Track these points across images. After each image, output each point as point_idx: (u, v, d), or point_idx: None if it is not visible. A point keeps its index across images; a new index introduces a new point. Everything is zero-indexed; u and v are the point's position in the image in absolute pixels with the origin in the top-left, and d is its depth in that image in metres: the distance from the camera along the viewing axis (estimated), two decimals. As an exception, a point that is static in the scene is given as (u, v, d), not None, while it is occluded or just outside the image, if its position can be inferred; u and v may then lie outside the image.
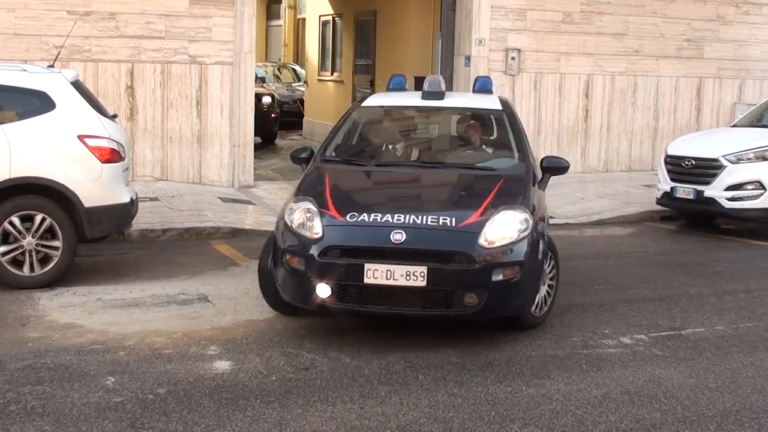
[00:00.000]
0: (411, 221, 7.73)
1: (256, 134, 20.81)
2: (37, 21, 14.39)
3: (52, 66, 10.63)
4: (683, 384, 7.14)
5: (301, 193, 8.40)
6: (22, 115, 9.62)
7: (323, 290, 7.65)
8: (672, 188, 13.88)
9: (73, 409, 6.31)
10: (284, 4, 33.23)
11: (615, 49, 18.89)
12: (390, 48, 21.01)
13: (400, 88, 10.69)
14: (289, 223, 8.02)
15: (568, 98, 18.57)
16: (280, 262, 7.97)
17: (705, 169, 13.57)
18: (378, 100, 10.74)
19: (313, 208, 7.98)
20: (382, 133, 10.22)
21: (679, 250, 12.56)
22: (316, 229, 7.81)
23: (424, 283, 7.46)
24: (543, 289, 8.39)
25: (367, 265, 7.51)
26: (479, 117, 10.08)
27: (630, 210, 15.08)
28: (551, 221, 13.87)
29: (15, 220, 9.37)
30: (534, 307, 8.27)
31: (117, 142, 9.96)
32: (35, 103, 9.68)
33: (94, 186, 9.66)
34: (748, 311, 9.39)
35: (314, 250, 7.69)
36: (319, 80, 25.69)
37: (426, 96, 10.14)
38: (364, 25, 22.86)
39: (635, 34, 19.05)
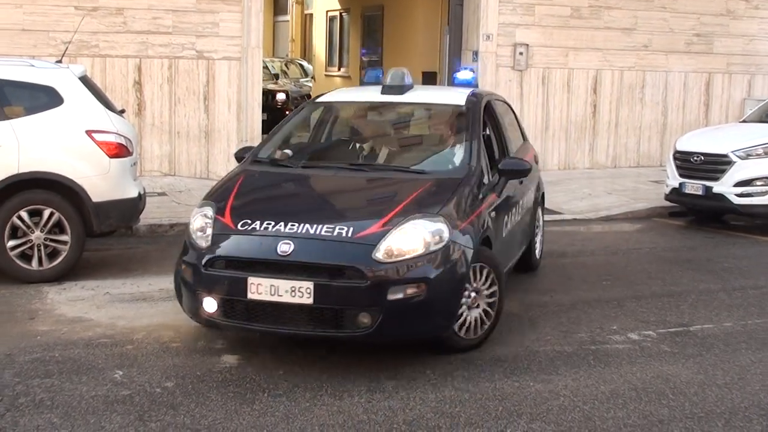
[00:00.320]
0: (303, 231, 7.03)
1: (270, 131, 21.13)
2: (44, 17, 14.40)
3: (59, 61, 10.65)
4: (691, 380, 7.12)
5: (209, 197, 7.95)
6: (30, 111, 9.64)
7: (210, 304, 7.12)
8: (681, 184, 13.86)
9: (81, 402, 6.32)
10: (291, 0, 33.21)
11: (623, 44, 18.86)
12: (397, 43, 21.01)
13: (377, 81, 9.87)
14: (189, 230, 7.54)
15: (576, 94, 18.53)
16: (177, 272, 7.52)
17: (714, 165, 13.54)
18: (335, 95, 10.11)
19: (211, 214, 7.47)
20: (330, 131, 9.67)
21: (687, 246, 12.54)
22: (207, 237, 7.28)
23: (310, 301, 6.78)
24: (476, 311, 7.53)
25: (250, 279, 6.89)
26: (436, 114, 9.46)
27: (638, 206, 15.06)
28: (558, 217, 13.89)
29: (23, 214, 9.39)
30: (462, 328, 7.43)
31: (125, 137, 9.97)
32: (43, 98, 9.70)
33: (102, 181, 9.68)
34: (757, 308, 9.36)
35: (201, 261, 7.16)
36: (326, 75, 25.72)
37: (386, 91, 9.36)
38: (371, 20, 22.86)
39: (644, 29, 19.01)
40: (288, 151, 8.97)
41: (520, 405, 6.51)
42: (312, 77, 27.00)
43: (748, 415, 6.49)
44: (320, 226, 7.05)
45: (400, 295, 6.85)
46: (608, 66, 18.77)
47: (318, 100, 9.82)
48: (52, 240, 9.51)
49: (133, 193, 10.02)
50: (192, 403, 6.38)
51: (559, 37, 18.17)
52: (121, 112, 10.73)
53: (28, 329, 7.95)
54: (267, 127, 20.91)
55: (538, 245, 10.68)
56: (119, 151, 9.84)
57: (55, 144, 9.57)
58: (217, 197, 7.80)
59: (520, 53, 17.74)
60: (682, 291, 9.90)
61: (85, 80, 10.15)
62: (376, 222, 7.13)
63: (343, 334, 6.93)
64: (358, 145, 9.33)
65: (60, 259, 9.55)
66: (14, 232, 9.42)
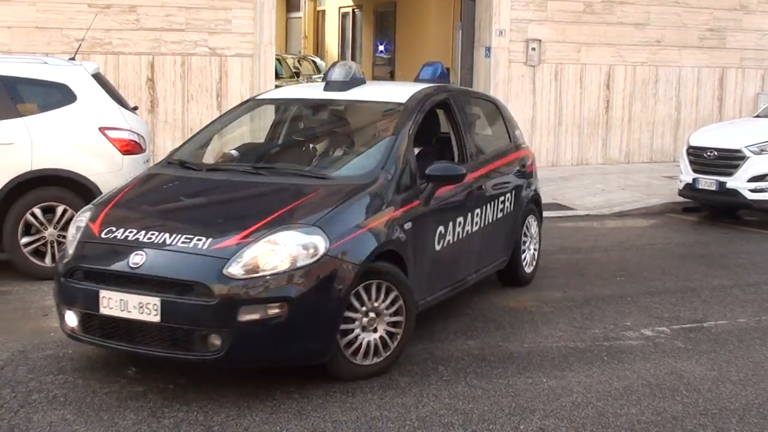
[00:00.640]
0: (160, 241, 6.45)
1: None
2: (58, 14, 14.44)
3: (73, 59, 10.67)
4: (705, 376, 7.10)
5: (95, 201, 7.52)
6: (44, 108, 9.67)
7: (71, 318, 6.69)
8: (694, 179, 13.81)
9: (95, 398, 6.33)
10: (304, -4, 33.22)
11: (636, 40, 18.81)
12: (410, 39, 21.00)
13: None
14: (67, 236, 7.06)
15: (589, 89, 18.50)
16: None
17: (727, 160, 13.49)
18: (277, 92, 9.53)
19: (85, 220, 7.00)
20: (260, 130, 9.12)
21: (701, 241, 12.50)
22: (74, 245, 6.83)
23: (158, 318, 6.21)
24: (374, 334, 6.79)
25: (102, 293, 6.38)
26: (372, 113, 8.63)
27: (652, 201, 15.03)
28: (571, 213, 13.87)
29: (37, 211, 9.43)
30: (359, 353, 6.72)
31: (138, 134, 9.99)
32: (56, 95, 9.73)
33: (115, 178, 9.68)
34: (770, 303, 9.35)
35: (61, 271, 6.74)
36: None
37: (328, 87, 8.63)
38: (383, 16, 22.85)
39: (657, 24, 18.96)
40: (234, 152, 8.40)
41: (533, 401, 6.50)
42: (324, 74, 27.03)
43: (762, 411, 6.46)
44: (179, 237, 6.46)
45: (255, 316, 6.17)
46: (621, 61, 18.73)
47: (259, 97, 9.28)
48: (65, 237, 9.52)
49: (146, 190, 10.04)
50: (205, 399, 6.38)
51: (571, 33, 18.14)
52: (134, 109, 10.76)
53: (42, 326, 7.97)
54: None
55: (528, 256, 9.73)
56: (132, 148, 9.86)
57: (68, 141, 9.59)
58: (102, 202, 7.34)
59: (533, 49, 17.72)
60: (696, 287, 9.88)
61: (98, 77, 10.18)
62: (237, 233, 6.44)
63: (193, 357, 6.32)
64: (277, 147, 8.73)
65: (73, 255, 9.57)
66: (27, 229, 9.45)
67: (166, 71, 15.20)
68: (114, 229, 6.70)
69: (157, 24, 15.05)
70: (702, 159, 13.77)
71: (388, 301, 6.84)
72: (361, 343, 6.72)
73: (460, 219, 8.08)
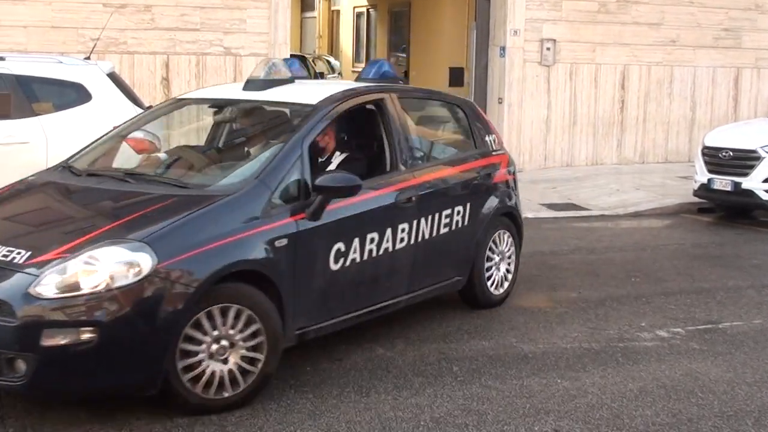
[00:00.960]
0: None
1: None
2: (73, 14, 14.47)
3: (88, 58, 10.70)
4: (720, 378, 7.08)
5: None
6: (59, 107, 9.70)
7: None
8: (709, 180, 13.76)
9: (109, 398, 6.34)
10: (319, -4, 33.26)
11: (651, 39, 18.76)
12: (424, 39, 20.99)
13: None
14: None
15: (604, 89, 18.46)
16: None
17: (743, 161, 13.44)
18: (198, 92, 8.87)
19: None
20: (172, 133, 8.64)
21: (716, 242, 12.46)
22: None
23: None
24: (224, 365, 6.13)
25: None
26: (278, 116, 7.96)
27: (667, 202, 14.98)
28: (586, 213, 13.84)
29: (52, 211, 9.44)
30: (211, 387, 6.07)
31: (153, 134, 9.99)
32: (72, 94, 9.76)
33: (129, 177, 9.70)
34: (786, 304, 9.31)
35: None
36: (353, 71, 25.70)
37: (246, 86, 8.01)
38: (398, 16, 22.85)
39: (672, 24, 18.90)
40: (162, 155, 7.94)
41: (547, 402, 6.48)
42: (339, 73, 27.02)
43: (777, 413, 6.45)
44: (2, 249, 5.95)
45: (60, 341, 5.54)
46: (636, 61, 18.68)
47: (182, 96, 8.71)
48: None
49: (160, 190, 10.05)
50: (219, 399, 6.38)
51: (586, 33, 18.09)
52: (149, 108, 10.76)
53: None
54: None
55: (496, 276, 8.83)
56: (147, 147, 9.86)
57: (83, 140, 9.59)
58: None
59: (548, 48, 17.68)
60: (711, 288, 9.85)
61: (113, 77, 10.20)
62: (58, 247, 5.85)
63: (2, 383, 5.73)
64: (182, 152, 8.04)
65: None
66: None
67: (181, 71, 15.22)
68: None
69: (172, 24, 15.07)
70: (717, 159, 13.72)
71: (248, 331, 6.17)
72: (206, 374, 6.03)
73: (373, 235, 7.19)
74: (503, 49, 17.35)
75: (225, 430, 5.90)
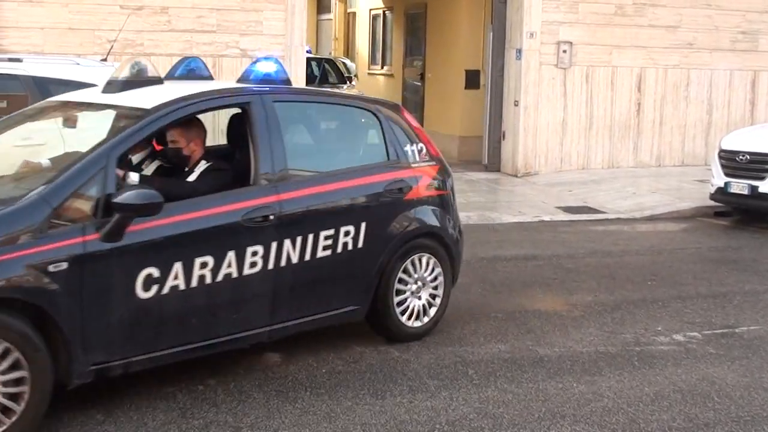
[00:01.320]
0: None
1: None
2: (90, 16, 14.51)
3: (105, 60, 10.72)
4: (737, 383, 7.05)
5: None
6: (76, 108, 9.70)
7: None
8: (726, 183, 13.72)
9: (124, 399, 6.35)
10: (335, -2, 33.30)
11: (668, 42, 18.70)
12: (440, 41, 20.98)
13: (191, 75, 7.85)
14: None
15: (620, 92, 18.41)
16: None
17: (760, 164, 13.39)
18: (69, 94, 8.05)
19: None
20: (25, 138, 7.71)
21: (733, 246, 12.41)
22: None
23: None
24: None
25: None
26: (110, 121, 6.92)
27: (683, 205, 14.93)
28: (602, 216, 13.81)
29: (68, 212, 9.45)
30: None
31: None
32: (88, 96, 9.76)
33: (146, 178, 9.72)
34: (803, 308, 9.27)
35: None
36: (369, 74, 25.73)
37: (105, 88, 7.26)
38: (414, 18, 22.84)
39: (688, 27, 18.84)
40: (44, 161, 7.09)
41: (563, 406, 6.47)
42: (355, 75, 27.04)
43: (795, 418, 6.42)
44: None
45: None
46: (652, 64, 18.62)
47: (51, 99, 8.09)
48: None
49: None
50: (234, 400, 6.40)
51: (603, 35, 18.05)
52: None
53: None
54: None
55: (415, 306, 7.79)
56: None
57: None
58: None
59: (564, 51, 17.65)
60: (728, 292, 9.81)
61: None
62: None
63: None
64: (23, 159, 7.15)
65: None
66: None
67: (197, 72, 15.24)
68: None
69: (189, 25, 15.10)
70: (734, 163, 13.67)
71: (11, 375, 5.53)
72: None
73: (205, 259, 6.34)
74: (519, 51, 17.33)
75: (240, 432, 5.91)
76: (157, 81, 7.30)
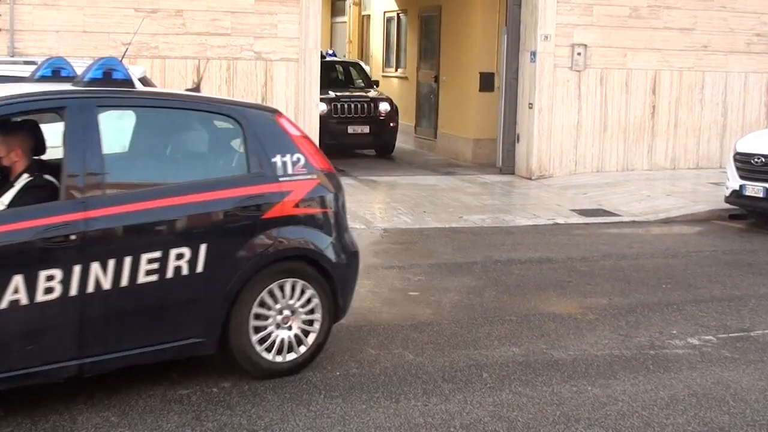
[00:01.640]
0: None
1: (372, 147, 20.57)
2: (105, 18, 14.56)
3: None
4: (753, 387, 7.02)
5: None
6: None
7: None
8: (741, 186, 13.67)
9: (138, 401, 6.37)
10: (349, 1, 33.33)
11: (683, 45, 18.65)
12: (455, 44, 20.97)
13: (55, 77, 7.00)
14: None
15: (635, 94, 18.37)
16: None
17: (775, 167, 13.35)
18: None
19: None
20: None
21: (748, 249, 12.36)
22: None
23: None
24: None
25: None
26: None
27: (698, 208, 14.89)
28: (616, 219, 13.78)
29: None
30: None
31: None
32: (103, 98, 9.76)
33: (160, 181, 9.72)
34: (819, 312, 9.23)
35: None
36: (383, 77, 25.71)
37: None
38: (428, 21, 22.83)
39: (703, 29, 18.79)
40: None
41: (577, 410, 6.46)
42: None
43: (811, 422, 6.39)
44: None
45: None
46: (667, 66, 18.58)
47: None
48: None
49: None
50: (248, 403, 6.40)
51: (617, 38, 18.02)
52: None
53: (88, 328, 8.01)
54: (368, 143, 20.43)
55: (280, 338, 6.92)
56: None
57: (112, 146, 9.63)
58: None
59: (578, 53, 17.62)
60: (743, 295, 9.77)
61: (144, 81, 10.23)
62: None
63: None
64: None
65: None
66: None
67: (212, 75, 15.27)
68: None
69: (203, 28, 15.13)
70: (749, 165, 13.62)
71: None
72: None
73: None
74: (534, 54, 17.32)
75: (254, 435, 5.92)
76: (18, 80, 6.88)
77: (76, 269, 5.94)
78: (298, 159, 7.08)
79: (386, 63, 26.04)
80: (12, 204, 6.22)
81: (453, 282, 9.91)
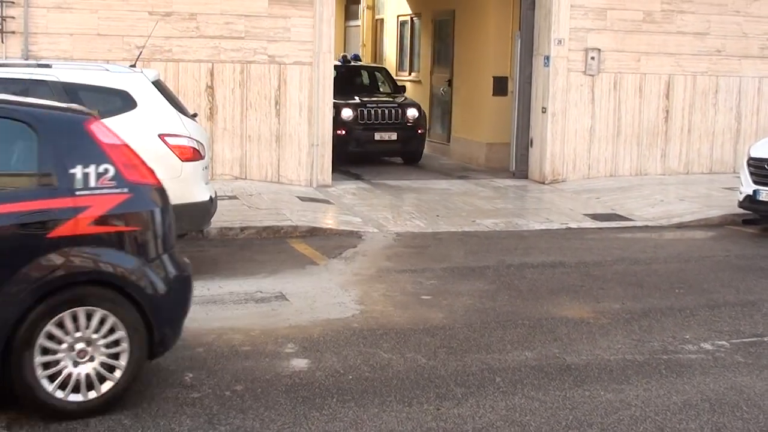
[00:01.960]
0: None
1: (399, 154, 20.16)
2: (119, 22, 14.59)
3: (133, 66, 10.77)
4: (766, 392, 7.00)
5: None
6: (104, 114, 9.71)
7: None
8: (754, 191, 13.62)
9: (151, 404, 6.38)
10: (363, 5, 33.35)
11: (696, 49, 18.61)
12: (468, 48, 20.96)
13: None
14: None
15: (649, 99, 18.33)
16: None
17: (789, 172, 13.31)
18: None
19: None
20: None
21: (761, 254, 12.32)
22: None
23: None
24: None
25: None
26: None
27: (711, 213, 14.85)
28: (630, 224, 13.76)
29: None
30: None
31: (197, 141, 10.06)
32: (117, 102, 9.83)
33: (173, 184, 9.69)
34: (833, 318, 9.19)
35: None
36: (397, 80, 25.71)
37: None
38: (442, 24, 22.83)
39: (717, 34, 18.74)
40: None
41: (590, 414, 6.44)
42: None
43: (824, 428, 6.37)
44: None
45: None
46: (681, 71, 18.54)
47: None
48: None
49: (204, 197, 10.10)
50: (261, 407, 6.41)
51: (631, 42, 17.99)
52: (194, 116, 10.83)
53: (101, 331, 8.03)
54: (395, 150, 20.15)
55: (76, 374, 6.11)
56: (191, 154, 9.93)
57: (128, 148, 9.67)
58: None
59: (592, 58, 17.60)
60: (756, 300, 9.74)
61: (158, 84, 10.27)
62: None
63: None
64: None
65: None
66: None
67: (226, 79, 15.30)
68: None
69: (217, 32, 15.16)
70: (763, 170, 13.58)
71: None
72: None
73: None
74: (547, 58, 17.30)
75: (267, 438, 5.92)
76: None
77: None
78: (106, 170, 6.28)
79: (399, 67, 26.02)
80: None
81: (466, 286, 9.91)
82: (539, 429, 6.17)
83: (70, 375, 6.06)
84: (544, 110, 17.37)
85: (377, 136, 19.31)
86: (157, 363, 7.13)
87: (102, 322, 6.13)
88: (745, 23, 18.92)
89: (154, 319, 6.30)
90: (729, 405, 6.71)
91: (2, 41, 14.10)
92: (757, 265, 11.51)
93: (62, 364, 6.04)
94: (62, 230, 6.05)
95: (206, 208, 10.17)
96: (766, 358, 7.80)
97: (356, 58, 23.88)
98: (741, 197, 14.01)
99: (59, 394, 6.02)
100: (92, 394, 6.12)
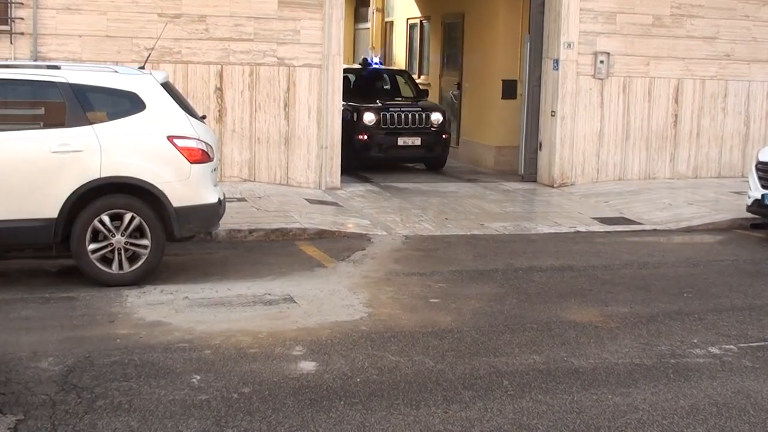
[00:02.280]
0: None
1: (423, 160, 19.71)
2: (128, 23, 14.62)
3: (142, 67, 10.79)
4: (774, 396, 7.00)
5: None
6: (113, 116, 9.77)
7: None
8: (763, 195, 13.59)
9: (159, 406, 6.39)
10: (372, 8, 33.39)
11: (706, 53, 18.60)
12: (478, 50, 20.97)
13: None
14: None
15: (658, 103, 18.32)
16: None
17: (798, 177, 13.28)
18: None
19: None
20: None
21: (770, 258, 12.32)
22: None
23: None
24: None
25: None
26: None
27: (719, 217, 14.83)
28: (638, 228, 13.74)
29: (105, 218, 9.52)
30: None
31: (205, 143, 10.07)
32: (126, 103, 9.83)
33: (182, 186, 9.77)
34: (842, 323, 9.17)
35: None
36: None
37: None
38: (451, 27, 22.84)
39: (726, 38, 18.73)
40: None
41: (598, 418, 6.44)
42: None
43: (833, 433, 6.35)
44: None
45: None
46: (690, 75, 18.53)
47: None
48: (132, 244, 9.62)
49: (213, 199, 10.10)
50: (268, 409, 6.41)
51: (640, 46, 17.98)
52: (203, 118, 10.85)
53: (108, 332, 8.05)
54: (419, 155, 19.69)
55: None
56: (200, 156, 9.94)
57: (136, 149, 9.69)
58: None
59: (601, 62, 17.59)
60: (764, 304, 9.73)
61: (167, 86, 10.28)
62: None
63: None
64: None
65: (140, 263, 9.65)
66: (95, 236, 9.54)
67: (235, 81, 15.32)
68: None
69: (226, 34, 15.18)
70: (772, 175, 13.56)
71: None
72: None
73: None
74: (557, 61, 17.30)
75: (274, 440, 5.93)
76: None
77: None
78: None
79: (409, 69, 26.04)
80: None
81: (474, 289, 9.91)
82: (546, 433, 6.17)
83: None
84: (553, 113, 17.36)
85: (400, 141, 18.74)
86: (164, 364, 7.16)
87: None
88: (754, 28, 18.90)
89: None
90: (736, 409, 6.70)
91: (11, 42, 14.14)
92: (765, 270, 11.49)
93: None
94: None
95: (215, 210, 10.17)
96: (775, 363, 7.80)
97: (378, 63, 23.58)
98: (749, 201, 13.98)
99: None
100: None
